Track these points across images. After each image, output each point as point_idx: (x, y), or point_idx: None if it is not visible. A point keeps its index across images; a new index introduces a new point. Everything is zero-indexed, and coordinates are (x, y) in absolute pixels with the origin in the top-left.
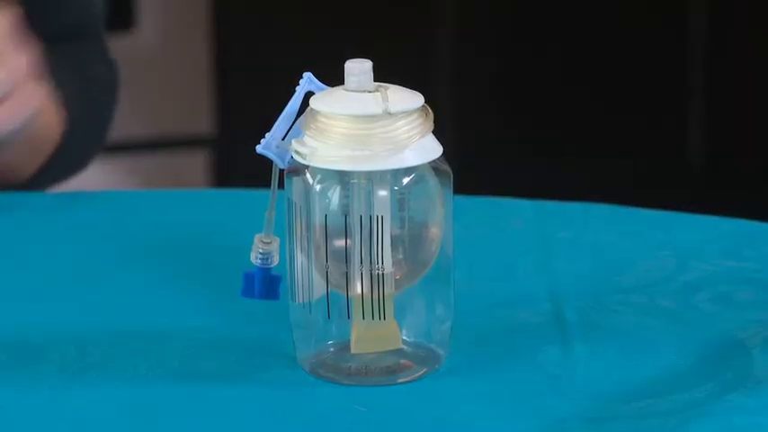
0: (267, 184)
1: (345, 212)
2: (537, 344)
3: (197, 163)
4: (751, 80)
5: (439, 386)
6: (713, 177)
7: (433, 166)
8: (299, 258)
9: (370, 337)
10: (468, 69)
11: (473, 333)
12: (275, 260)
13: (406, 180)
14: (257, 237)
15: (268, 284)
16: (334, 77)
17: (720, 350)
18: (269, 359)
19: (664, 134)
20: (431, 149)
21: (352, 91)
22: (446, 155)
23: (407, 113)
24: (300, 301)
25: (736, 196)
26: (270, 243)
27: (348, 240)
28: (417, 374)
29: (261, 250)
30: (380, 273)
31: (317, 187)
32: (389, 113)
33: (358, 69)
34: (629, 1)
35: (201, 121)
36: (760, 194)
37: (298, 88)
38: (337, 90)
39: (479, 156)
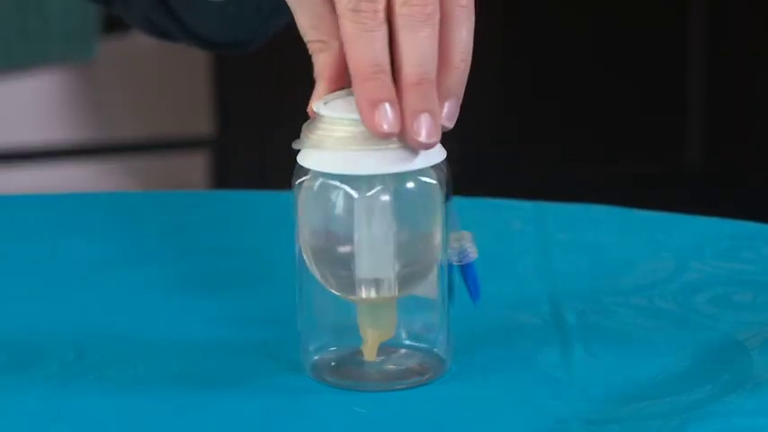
0: (266, 186)
1: (348, 217)
2: (536, 346)
3: (197, 164)
4: (751, 80)
5: (437, 389)
6: (712, 178)
7: (436, 169)
8: (303, 263)
9: (375, 342)
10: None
11: (471, 335)
12: (473, 252)
13: (408, 184)
14: (451, 235)
15: (475, 277)
16: None
17: (720, 352)
18: (270, 363)
19: (663, 135)
20: (433, 153)
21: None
22: (446, 156)
23: None
24: (303, 305)
25: (736, 197)
26: (460, 239)
27: (350, 245)
28: (422, 380)
29: (455, 247)
30: (383, 277)
31: (320, 191)
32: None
33: None
34: (629, 1)
35: (201, 121)
36: (760, 195)
37: None
38: (339, 93)
39: (479, 156)
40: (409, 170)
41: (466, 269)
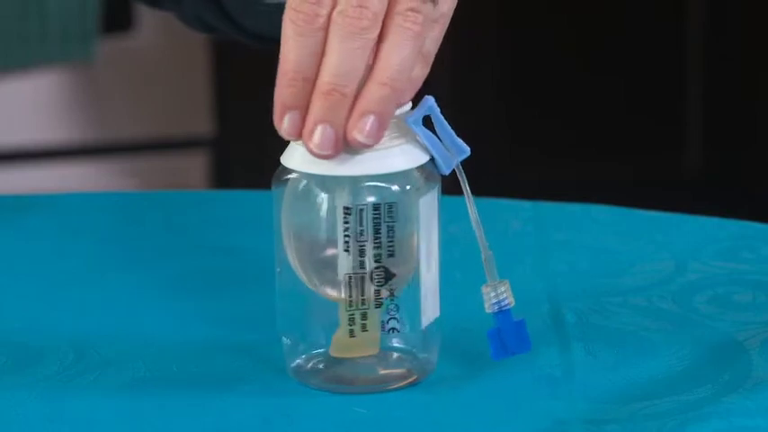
0: (266, 186)
1: (331, 218)
2: (535, 346)
3: (197, 163)
4: (750, 81)
5: (436, 390)
6: (712, 179)
7: (421, 170)
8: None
9: (350, 343)
10: (467, 70)
11: (471, 335)
12: (510, 300)
13: (392, 185)
14: (483, 288)
15: (515, 333)
16: None
17: (719, 352)
18: (270, 363)
19: (662, 135)
20: (419, 154)
21: None
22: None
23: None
24: (288, 308)
25: (735, 198)
26: (496, 286)
27: (333, 247)
28: (407, 381)
29: (492, 296)
30: (366, 279)
31: (303, 193)
32: None
33: None
34: (629, 1)
35: (201, 121)
36: (759, 196)
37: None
38: None
39: (479, 156)
40: (390, 172)
41: (500, 317)
